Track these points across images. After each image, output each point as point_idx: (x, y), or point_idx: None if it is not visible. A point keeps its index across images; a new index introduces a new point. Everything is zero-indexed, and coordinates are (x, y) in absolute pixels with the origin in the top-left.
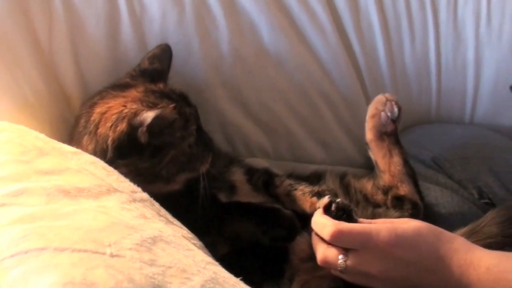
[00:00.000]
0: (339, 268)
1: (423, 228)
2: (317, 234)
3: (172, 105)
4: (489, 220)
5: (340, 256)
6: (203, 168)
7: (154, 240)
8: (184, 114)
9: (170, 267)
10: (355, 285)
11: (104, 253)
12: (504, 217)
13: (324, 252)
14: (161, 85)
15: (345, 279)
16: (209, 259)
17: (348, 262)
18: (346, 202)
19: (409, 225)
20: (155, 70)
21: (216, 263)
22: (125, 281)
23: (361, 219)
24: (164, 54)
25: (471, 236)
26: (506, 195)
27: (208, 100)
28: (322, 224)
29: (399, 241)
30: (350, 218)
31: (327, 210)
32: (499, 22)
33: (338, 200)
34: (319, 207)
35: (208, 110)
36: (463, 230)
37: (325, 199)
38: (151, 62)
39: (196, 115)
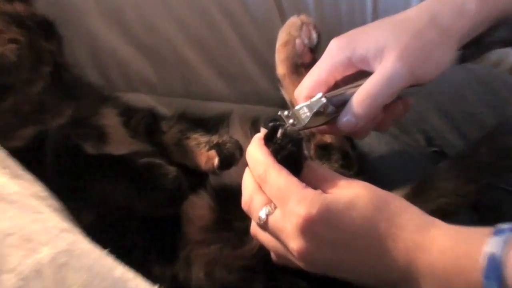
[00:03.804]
0: (257, 221)
1: (361, 198)
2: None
3: (15, 45)
4: (442, 174)
5: (265, 208)
6: (55, 123)
7: None
8: (37, 51)
9: (10, 235)
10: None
11: None
12: (461, 170)
13: (251, 194)
14: (20, 7)
15: (263, 243)
16: (65, 225)
17: (270, 218)
18: (296, 129)
19: (343, 193)
20: None
21: (76, 230)
22: None
23: (314, 163)
24: None
25: (418, 196)
26: (460, 141)
27: (75, 20)
28: (255, 158)
29: (323, 215)
30: (299, 152)
31: (269, 138)
32: None
33: (286, 125)
34: (217, 165)
35: (75, 32)
36: (407, 188)
37: (269, 125)
38: None
39: (58, 51)
